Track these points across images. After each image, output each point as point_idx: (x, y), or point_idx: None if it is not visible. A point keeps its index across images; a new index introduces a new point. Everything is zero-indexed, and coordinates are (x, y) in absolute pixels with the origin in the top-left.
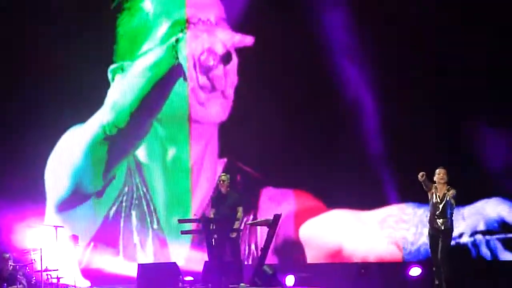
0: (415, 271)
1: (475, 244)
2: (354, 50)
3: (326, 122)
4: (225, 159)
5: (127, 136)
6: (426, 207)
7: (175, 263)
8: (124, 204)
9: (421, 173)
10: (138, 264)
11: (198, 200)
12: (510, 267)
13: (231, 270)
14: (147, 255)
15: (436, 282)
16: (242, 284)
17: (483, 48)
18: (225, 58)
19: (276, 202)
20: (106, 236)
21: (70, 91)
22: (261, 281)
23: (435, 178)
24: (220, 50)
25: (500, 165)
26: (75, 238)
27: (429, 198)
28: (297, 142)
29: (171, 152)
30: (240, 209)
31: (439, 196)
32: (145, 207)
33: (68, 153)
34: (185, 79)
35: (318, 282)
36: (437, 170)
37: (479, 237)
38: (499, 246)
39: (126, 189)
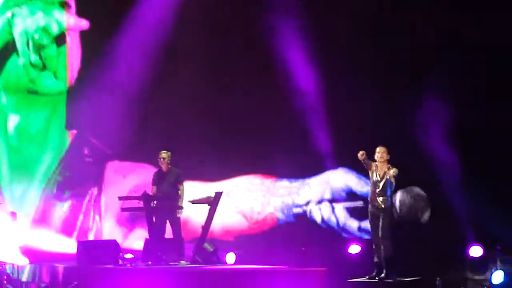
0: (354, 249)
1: (321, 211)
2: None
3: (171, 93)
4: (74, 131)
5: None
6: (272, 178)
7: (115, 240)
8: None
9: (361, 152)
10: (78, 241)
11: (43, 169)
12: None
13: (172, 247)
14: None
15: (376, 260)
16: (182, 261)
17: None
18: (59, 39)
19: (121, 175)
20: None
21: None
22: (201, 258)
23: (375, 157)
24: (55, 30)
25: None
26: (13, 214)
27: (370, 176)
28: (146, 116)
29: (14, 121)
30: (182, 186)
31: (379, 175)
32: None
33: None
34: (18, 55)
35: (258, 260)
36: (378, 149)
37: (326, 204)
38: (344, 214)
39: None
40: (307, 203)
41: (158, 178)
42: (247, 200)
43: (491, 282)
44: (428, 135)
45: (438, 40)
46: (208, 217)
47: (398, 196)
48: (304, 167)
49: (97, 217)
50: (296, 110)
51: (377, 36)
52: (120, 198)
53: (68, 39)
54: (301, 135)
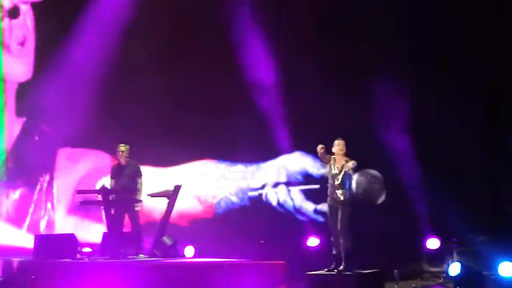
0: (313, 242)
1: (277, 194)
2: None
3: (127, 78)
4: (24, 118)
5: None
6: (227, 162)
7: (73, 234)
8: None
9: (320, 146)
10: (35, 235)
11: None
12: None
13: (130, 241)
14: None
15: (334, 252)
16: (141, 255)
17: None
18: (12, 12)
19: (73, 162)
20: None
21: None
22: (160, 252)
23: (333, 149)
24: (6, 4)
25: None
26: None
27: (328, 169)
28: (99, 101)
29: None
30: (140, 180)
31: (337, 168)
32: None
33: None
34: None
35: (217, 252)
36: (336, 142)
37: (282, 187)
38: (301, 197)
39: None
40: (263, 187)
41: (117, 172)
42: (201, 184)
43: (447, 274)
44: (388, 129)
45: (402, 34)
46: (166, 210)
47: (355, 177)
48: (260, 151)
49: (49, 205)
50: (252, 95)
51: (340, 30)
52: (79, 192)
53: (21, 14)
54: (257, 120)
